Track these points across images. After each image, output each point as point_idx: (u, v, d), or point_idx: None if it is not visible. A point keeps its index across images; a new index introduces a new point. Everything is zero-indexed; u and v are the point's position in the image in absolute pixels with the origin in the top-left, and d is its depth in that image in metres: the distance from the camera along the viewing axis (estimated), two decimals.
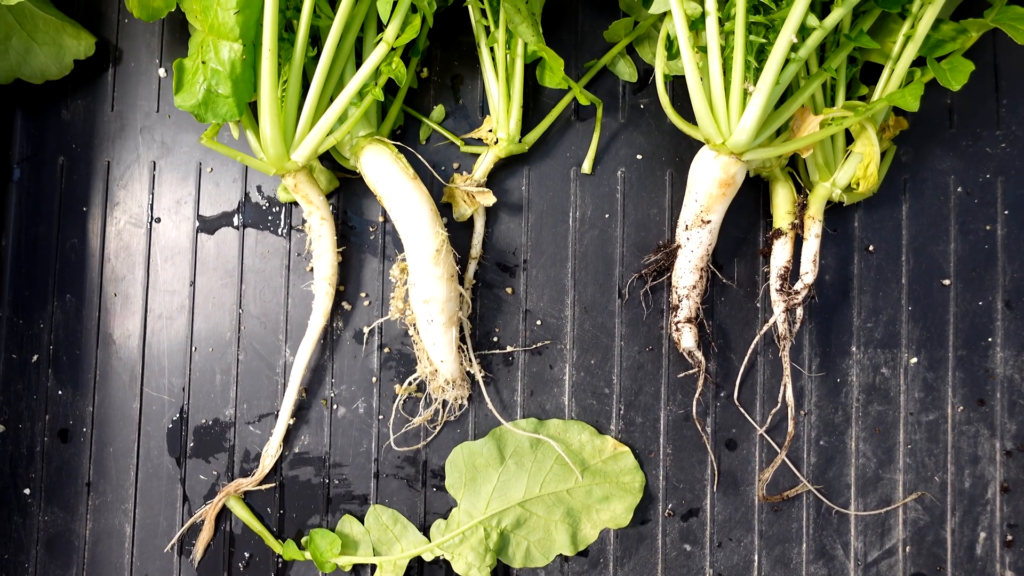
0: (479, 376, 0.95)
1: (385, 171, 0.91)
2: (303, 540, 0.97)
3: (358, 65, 0.90)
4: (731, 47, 0.85)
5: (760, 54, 0.86)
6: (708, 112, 0.87)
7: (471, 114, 1.01)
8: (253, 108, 0.90)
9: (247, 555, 0.97)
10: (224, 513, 0.98)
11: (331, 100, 0.90)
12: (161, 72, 1.02)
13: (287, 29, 0.89)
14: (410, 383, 0.97)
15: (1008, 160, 1.00)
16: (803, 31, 0.84)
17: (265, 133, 0.88)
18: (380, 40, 0.87)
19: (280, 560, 0.97)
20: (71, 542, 0.98)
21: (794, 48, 0.84)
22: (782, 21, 0.83)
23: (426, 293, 0.91)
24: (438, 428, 0.98)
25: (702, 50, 0.87)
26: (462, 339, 0.96)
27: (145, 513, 0.98)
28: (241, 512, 0.97)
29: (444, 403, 0.97)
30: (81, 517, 0.98)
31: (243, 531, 0.98)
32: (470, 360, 0.96)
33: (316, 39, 0.92)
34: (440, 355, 0.93)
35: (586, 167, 0.99)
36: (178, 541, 0.97)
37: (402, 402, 0.98)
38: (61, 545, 0.98)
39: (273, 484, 0.98)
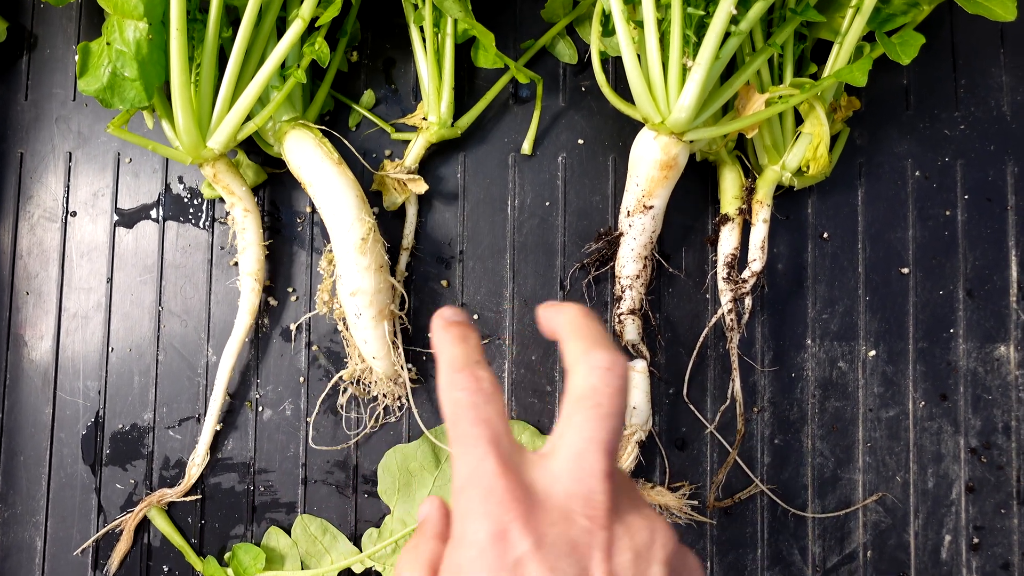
0: (405, 376, 0.89)
1: (308, 156, 0.86)
2: (226, 556, 0.91)
3: None
4: (668, 20, 0.80)
5: (700, 28, 0.81)
6: (645, 90, 0.82)
7: (404, 100, 0.96)
8: (169, 95, 0.85)
9: (166, 568, 0.91)
10: (143, 524, 0.91)
11: None
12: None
13: (201, 10, 0.84)
14: (341, 382, 0.91)
15: (967, 143, 0.95)
16: (744, 2, 0.79)
17: (178, 119, 0.83)
18: (297, 16, 0.82)
19: None
20: None
21: (734, 20, 0.79)
22: None
23: (353, 284, 0.85)
24: (371, 427, 0.92)
25: (639, 25, 0.83)
26: (395, 334, 0.90)
27: (57, 526, 0.92)
28: (163, 524, 0.90)
29: (378, 402, 0.91)
30: None
31: (162, 543, 0.91)
32: (400, 356, 0.90)
33: (237, 22, 0.87)
34: (372, 351, 0.87)
35: (526, 148, 0.93)
36: (93, 553, 0.91)
37: (333, 403, 0.92)
38: None
39: (196, 496, 0.91)
